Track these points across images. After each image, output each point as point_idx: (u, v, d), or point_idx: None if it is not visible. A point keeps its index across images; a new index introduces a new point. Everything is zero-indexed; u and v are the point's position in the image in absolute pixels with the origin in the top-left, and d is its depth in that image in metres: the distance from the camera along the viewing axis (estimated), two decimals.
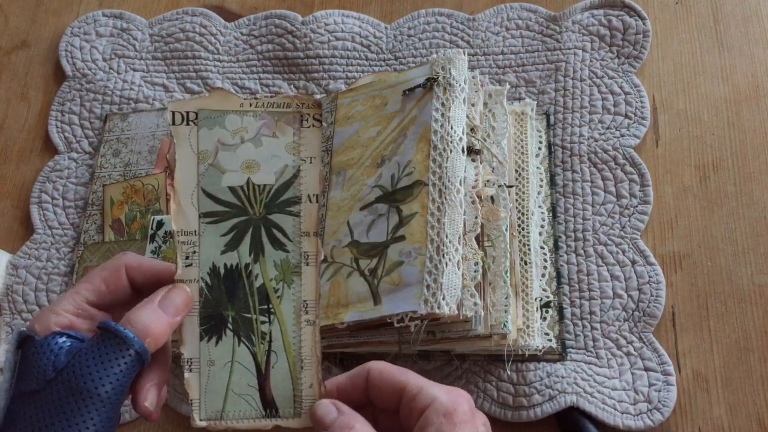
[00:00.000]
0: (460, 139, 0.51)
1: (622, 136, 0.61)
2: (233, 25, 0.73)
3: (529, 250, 0.55)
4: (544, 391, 0.53)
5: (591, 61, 0.65)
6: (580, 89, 0.64)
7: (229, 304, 0.38)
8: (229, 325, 0.38)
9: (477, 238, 0.51)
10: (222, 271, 0.38)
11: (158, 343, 0.36)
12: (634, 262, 0.57)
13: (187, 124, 0.39)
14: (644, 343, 0.54)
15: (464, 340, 0.51)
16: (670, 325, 0.55)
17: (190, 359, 0.38)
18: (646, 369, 0.54)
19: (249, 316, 0.38)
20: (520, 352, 0.53)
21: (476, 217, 0.50)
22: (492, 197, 0.53)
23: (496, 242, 0.52)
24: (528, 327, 0.53)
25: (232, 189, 0.39)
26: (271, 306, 0.39)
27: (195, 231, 0.38)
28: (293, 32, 0.71)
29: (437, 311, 0.47)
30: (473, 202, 0.51)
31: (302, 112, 0.39)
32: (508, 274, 0.52)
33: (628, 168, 0.60)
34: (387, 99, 0.57)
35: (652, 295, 0.56)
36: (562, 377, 0.53)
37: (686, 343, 0.55)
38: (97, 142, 0.69)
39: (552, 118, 0.63)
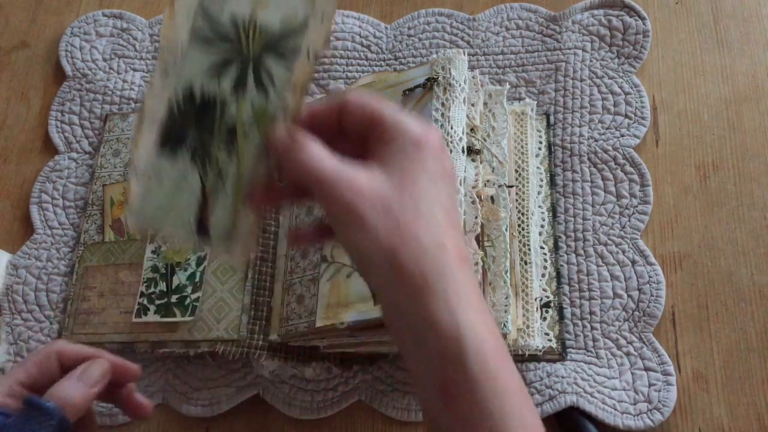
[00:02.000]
0: (460, 139, 0.51)
1: (622, 136, 0.61)
2: None
3: (529, 250, 0.55)
4: (544, 391, 0.53)
5: (591, 61, 0.65)
6: (580, 89, 0.64)
7: (195, 128, 0.37)
8: (188, 146, 0.37)
9: (477, 238, 0.51)
10: (198, 93, 0.36)
11: (78, 411, 0.40)
12: (634, 262, 0.57)
13: None
14: (644, 343, 0.54)
15: None
16: (670, 325, 0.56)
17: (138, 166, 0.37)
18: (646, 369, 0.54)
19: (211, 146, 0.37)
20: (520, 352, 0.53)
21: (476, 217, 0.50)
22: (492, 197, 0.53)
23: (496, 242, 0.52)
24: (528, 327, 0.53)
25: (232, 20, 0.36)
26: (235, 146, 0.36)
27: (181, 43, 0.36)
28: None
29: None
30: (473, 202, 0.51)
31: None
32: (508, 274, 0.52)
33: (628, 168, 0.60)
34: (387, 99, 0.57)
35: (652, 295, 0.56)
36: (562, 377, 0.53)
37: (686, 343, 0.55)
38: (97, 142, 0.69)
39: (552, 118, 0.63)
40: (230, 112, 0.36)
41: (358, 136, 0.36)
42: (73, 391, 0.40)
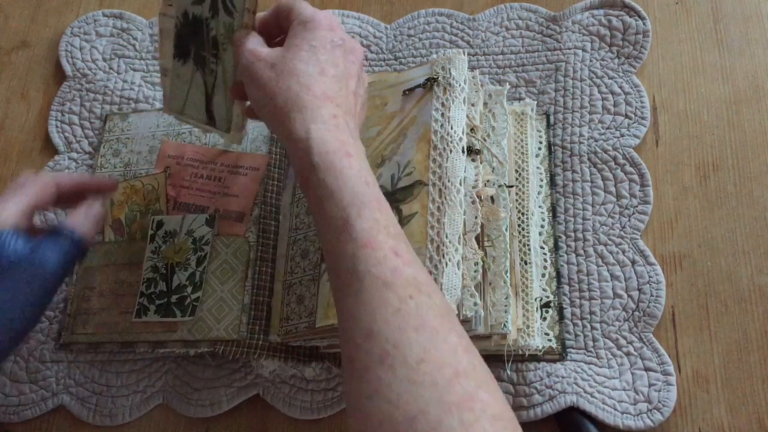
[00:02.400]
0: (460, 139, 0.51)
1: (622, 136, 0.61)
2: None
3: (529, 250, 0.55)
4: (544, 391, 0.53)
5: (591, 61, 0.65)
6: (580, 89, 0.64)
7: (192, 41, 0.52)
8: (192, 55, 0.53)
9: (477, 238, 0.51)
10: (191, 16, 0.51)
11: (90, 239, 0.51)
12: (634, 262, 0.57)
13: None
14: (644, 343, 0.54)
15: None
16: (670, 325, 0.56)
17: (166, 69, 0.55)
18: (646, 369, 0.54)
19: (204, 54, 0.52)
20: (520, 352, 0.53)
21: (476, 217, 0.50)
22: (492, 197, 0.53)
23: (496, 242, 0.52)
24: (528, 327, 0.53)
25: None
26: (218, 51, 0.51)
27: None
28: None
29: None
30: (473, 202, 0.51)
31: None
32: (508, 274, 0.52)
33: (628, 168, 0.60)
34: (387, 99, 0.57)
35: (652, 295, 0.56)
36: (562, 377, 0.53)
37: (686, 343, 0.55)
38: (97, 142, 0.69)
39: (552, 118, 0.63)
40: (210, 28, 0.51)
41: (276, 36, 0.50)
42: (85, 224, 0.51)
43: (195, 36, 0.52)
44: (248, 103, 0.51)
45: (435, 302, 0.37)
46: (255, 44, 0.47)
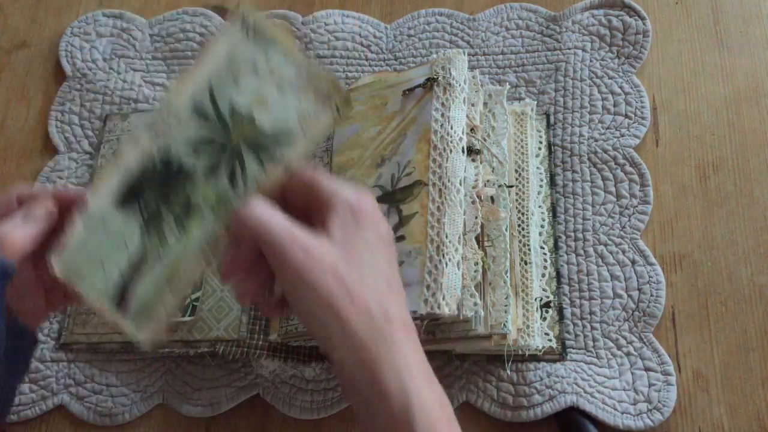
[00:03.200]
0: (460, 139, 0.51)
1: (622, 136, 0.61)
2: None
3: (529, 250, 0.55)
4: (544, 391, 0.53)
5: (591, 61, 0.65)
6: (580, 89, 0.64)
7: (156, 190, 0.38)
8: (142, 205, 0.38)
9: (477, 238, 0.51)
10: (174, 164, 0.38)
11: (19, 250, 0.37)
12: (634, 262, 0.57)
13: (242, 27, 0.39)
14: (644, 343, 0.54)
15: (464, 340, 0.51)
16: (670, 325, 0.56)
17: (92, 211, 0.38)
18: (646, 369, 0.54)
19: (164, 215, 0.38)
20: (520, 352, 0.53)
21: (476, 217, 0.50)
22: (492, 197, 0.53)
23: (496, 242, 0.52)
24: (528, 327, 0.53)
25: (231, 106, 0.38)
26: (187, 222, 0.38)
27: (179, 115, 0.38)
28: (293, 32, 0.71)
29: (437, 311, 0.47)
30: (473, 202, 0.51)
31: (332, 96, 0.39)
32: (508, 274, 0.52)
33: (628, 168, 0.60)
34: (387, 99, 0.57)
35: (652, 295, 0.56)
36: (562, 377, 0.53)
37: (686, 343, 0.55)
38: (97, 142, 0.69)
39: (552, 118, 0.63)
40: (194, 188, 0.38)
41: (300, 208, 0.38)
42: (13, 228, 0.37)
43: (162, 186, 0.38)
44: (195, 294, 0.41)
45: None
46: (288, 225, 0.35)
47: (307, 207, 0.38)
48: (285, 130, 0.38)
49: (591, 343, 0.55)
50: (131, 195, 0.38)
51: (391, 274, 0.37)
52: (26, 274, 0.40)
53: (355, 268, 0.35)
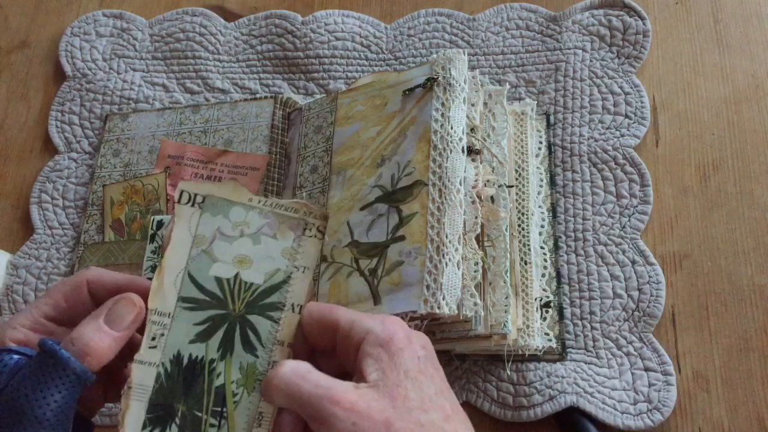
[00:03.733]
0: (460, 139, 0.51)
1: (622, 136, 0.61)
2: (233, 25, 0.73)
3: (529, 250, 0.55)
4: (544, 391, 0.53)
5: (591, 61, 0.65)
6: (580, 89, 0.64)
7: (183, 397, 0.36)
8: (177, 420, 0.36)
9: (477, 238, 0.51)
10: (185, 361, 0.37)
11: (101, 361, 0.34)
12: (634, 262, 0.57)
13: (192, 205, 0.38)
14: (644, 343, 0.54)
15: (464, 340, 0.51)
16: (670, 325, 0.55)
17: None
18: (646, 369, 0.54)
19: (200, 415, 0.36)
20: (520, 352, 0.53)
21: (476, 217, 0.50)
22: (492, 197, 0.53)
23: (496, 242, 0.52)
24: (528, 327, 0.53)
25: (218, 280, 0.37)
26: (225, 410, 0.36)
27: (169, 314, 0.37)
28: (293, 32, 0.71)
29: (437, 311, 0.47)
30: (473, 202, 0.51)
31: (307, 221, 0.39)
32: (508, 274, 0.52)
33: (628, 168, 0.60)
34: (387, 99, 0.57)
35: (652, 295, 0.56)
36: (562, 377, 0.53)
37: (686, 343, 0.55)
38: (97, 142, 0.69)
39: (552, 118, 0.63)
40: (217, 373, 0.37)
41: (324, 348, 0.36)
42: (97, 336, 0.34)
43: (187, 389, 0.36)
44: None
45: None
46: (324, 383, 0.32)
47: (329, 347, 0.36)
48: (278, 275, 0.38)
49: (591, 343, 0.55)
50: (161, 414, 0.36)
51: (443, 397, 0.34)
52: None
53: (406, 412, 0.32)
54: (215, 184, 0.39)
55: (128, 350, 0.36)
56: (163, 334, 0.37)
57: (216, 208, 0.38)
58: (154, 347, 0.36)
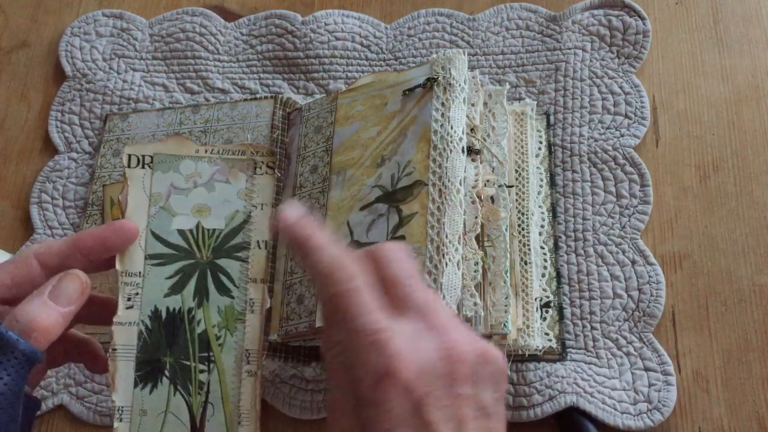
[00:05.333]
0: (460, 139, 0.51)
1: (622, 136, 0.61)
2: (233, 25, 0.73)
3: (529, 250, 0.55)
4: (544, 391, 0.53)
5: (591, 61, 0.65)
6: (580, 89, 0.64)
7: (168, 349, 0.37)
8: (166, 373, 0.37)
9: (477, 238, 0.51)
10: (164, 314, 0.38)
11: (49, 337, 0.33)
12: (634, 262, 0.57)
13: (143, 167, 0.39)
14: (644, 343, 0.54)
15: None
16: (670, 325, 0.56)
17: (121, 407, 0.37)
18: (646, 369, 0.54)
19: (188, 363, 0.37)
20: (520, 352, 0.53)
21: (476, 217, 0.50)
22: (492, 197, 0.53)
23: (496, 242, 0.52)
24: (528, 327, 0.53)
25: (181, 232, 0.39)
26: (211, 354, 0.37)
27: (139, 272, 0.38)
28: (293, 32, 0.71)
29: None
30: (473, 202, 0.51)
31: (256, 160, 0.40)
32: (508, 274, 0.52)
33: (628, 168, 0.60)
34: (387, 99, 0.57)
35: (652, 295, 0.56)
36: (562, 377, 0.53)
37: (686, 343, 0.55)
38: (97, 142, 0.69)
39: (552, 118, 0.63)
40: (198, 320, 0.38)
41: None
42: (42, 312, 0.32)
43: (171, 341, 0.37)
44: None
45: None
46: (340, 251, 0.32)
47: None
48: (238, 216, 0.39)
49: (591, 343, 0.55)
50: (148, 371, 0.37)
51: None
52: None
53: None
54: (160, 143, 0.40)
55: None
56: (137, 293, 0.37)
57: (166, 165, 0.39)
58: (131, 307, 0.37)
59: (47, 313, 0.33)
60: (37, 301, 0.33)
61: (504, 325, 0.50)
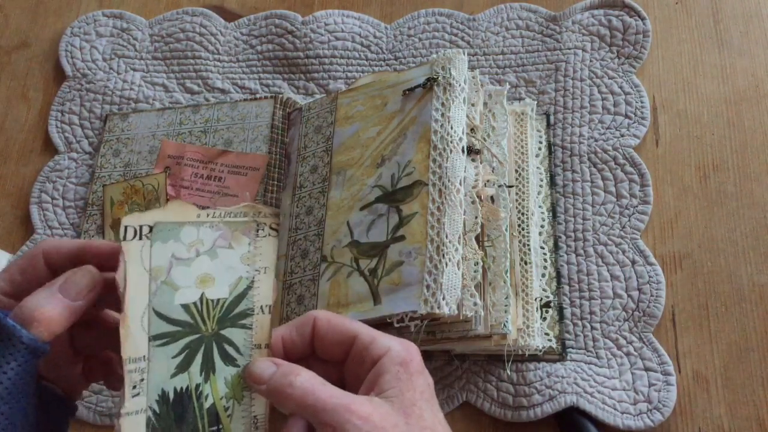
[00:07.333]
0: (460, 139, 0.51)
1: (622, 136, 0.61)
2: (233, 25, 0.73)
3: (529, 250, 0.55)
4: (544, 391, 0.53)
5: (591, 61, 0.65)
6: (580, 89, 0.64)
7: (178, 430, 0.35)
8: None
9: (477, 238, 0.51)
10: (171, 396, 0.35)
11: (52, 328, 0.32)
12: (634, 262, 0.57)
13: (140, 239, 0.36)
14: (644, 343, 0.54)
15: (464, 340, 0.51)
16: (670, 325, 0.56)
17: None
18: (646, 369, 0.54)
19: None
20: (520, 352, 0.53)
21: (476, 217, 0.50)
22: (492, 197, 0.53)
23: (496, 242, 0.52)
24: (528, 327, 0.53)
25: (185, 306, 0.36)
26: (221, 426, 0.36)
27: (144, 356, 0.35)
28: (293, 32, 0.71)
29: (437, 311, 0.47)
30: (473, 202, 0.51)
31: (258, 221, 0.38)
32: (508, 274, 0.52)
33: (628, 168, 0.60)
34: (387, 99, 0.57)
35: (652, 295, 0.56)
36: (562, 377, 0.53)
37: (686, 343, 0.55)
38: (97, 142, 0.69)
39: (552, 118, 0.63)
40: (205, 395, 0.36)
41: (333, 358, 0.36)
42: (48, 303, 0.32)
43: (180, 421, 0.36)
44: None
45: None
46: (337, 396, 0.33)
47: (340, 357, 0.36)
48: (241, 283, 0.37)
49: (591, 343, 0.55)
50: None
51: (448, 428, 0.35)
52: (61, 344, 0.36)
53: (419, 430, 0.33)
54: (159, 210, 0.37)
55: (105, 330, 0.35)
56: (143, 379, 0.35)
57: (166, 234, 0.36)
58: (137, 394, 0.35)
59: (53, 305, 0.32)
60: (45, 292, 0.33)
61: (504, 325, 0.50)
